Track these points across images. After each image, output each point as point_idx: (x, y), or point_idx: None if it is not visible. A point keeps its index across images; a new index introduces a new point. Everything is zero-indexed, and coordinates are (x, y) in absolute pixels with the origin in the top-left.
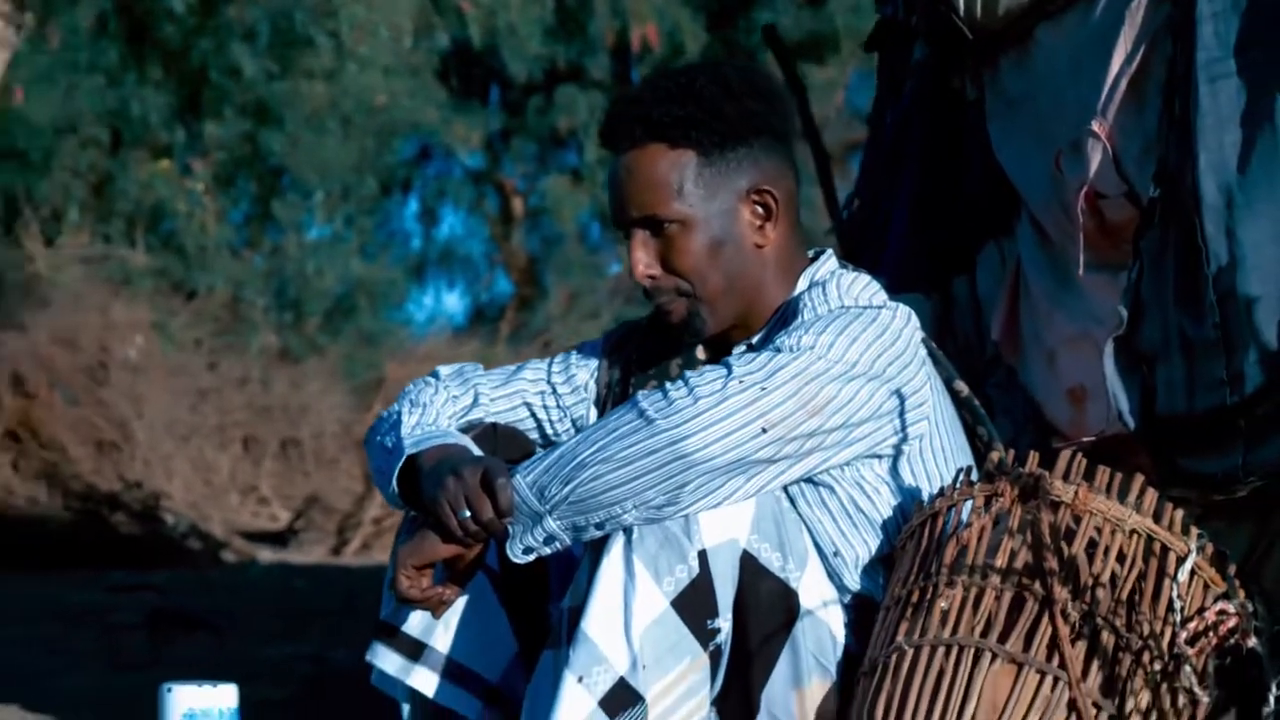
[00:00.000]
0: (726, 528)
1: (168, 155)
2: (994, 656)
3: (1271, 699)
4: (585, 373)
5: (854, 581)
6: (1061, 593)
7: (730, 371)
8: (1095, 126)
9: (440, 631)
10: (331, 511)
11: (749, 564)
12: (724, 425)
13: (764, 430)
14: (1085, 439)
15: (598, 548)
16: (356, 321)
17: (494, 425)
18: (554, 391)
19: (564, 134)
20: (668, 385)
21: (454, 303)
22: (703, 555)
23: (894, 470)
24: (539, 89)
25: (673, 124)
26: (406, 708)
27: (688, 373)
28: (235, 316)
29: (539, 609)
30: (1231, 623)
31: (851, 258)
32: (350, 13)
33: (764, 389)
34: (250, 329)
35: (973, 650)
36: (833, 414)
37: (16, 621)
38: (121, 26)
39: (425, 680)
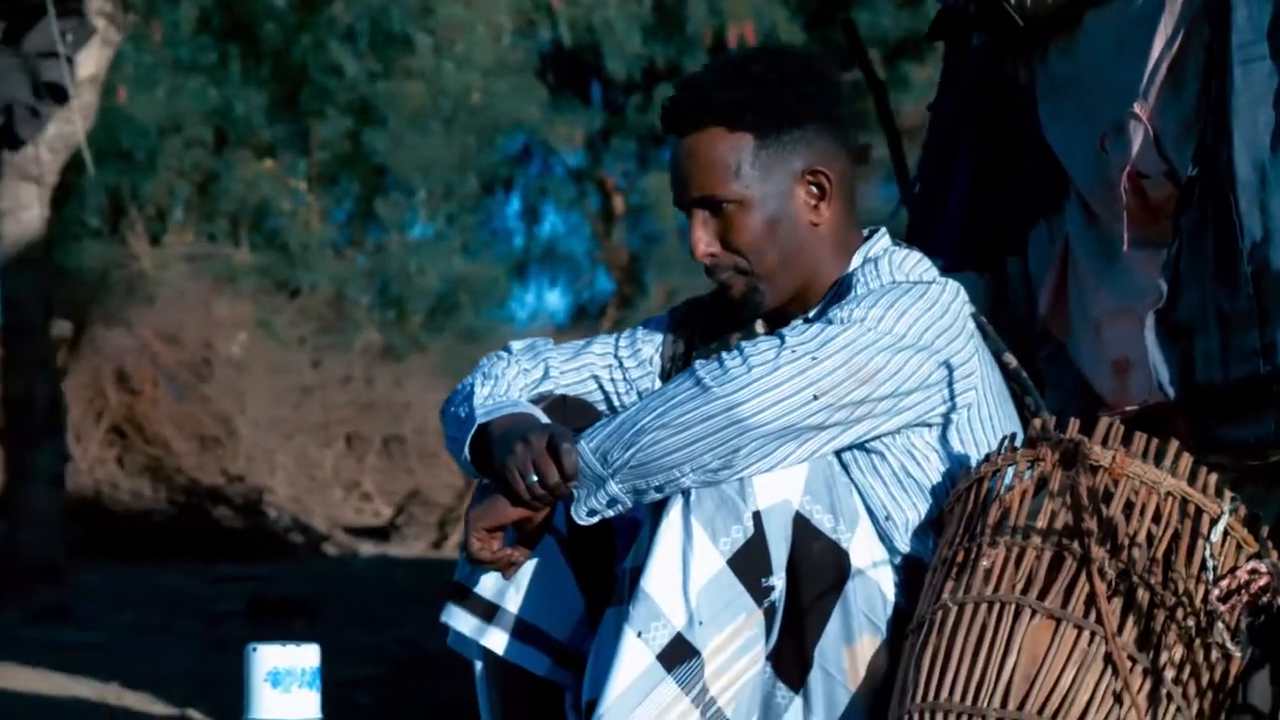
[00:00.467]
0: (780, 490)
1: (271, 154)
2: (1034, 612)
3: None
4: (651, 347)
5: (904, 544)
6: (1099, 552)
7: (783, 342)
8: (1137, 108)
9: (511, 593)
10: (433, 506)
11: (801, 525)
12: (776, 392)
13: (815, 398)
14: (1129, 408)
15: (658, 510)
16: (459, 319)
17: (564, 397)
18: (621, 365)
19: (663, 132)
20: (723, 355)
21: (555, 300)
22: (757, 516)
23: (943, 438)
24: (638, 88)
25: (731, 108)
26: (479, 665)
27: (743, 343)
28: (338, 314)
29: (605, 570)
30: (1263, 581)
31: (914, 239)
32: (448, 11)
33: (815, 358)
34: (353, 327)
35: (1014, 607)
36: (882, 383)
37: (122, 609)
38: (223, 25)
39: (497, 640)
